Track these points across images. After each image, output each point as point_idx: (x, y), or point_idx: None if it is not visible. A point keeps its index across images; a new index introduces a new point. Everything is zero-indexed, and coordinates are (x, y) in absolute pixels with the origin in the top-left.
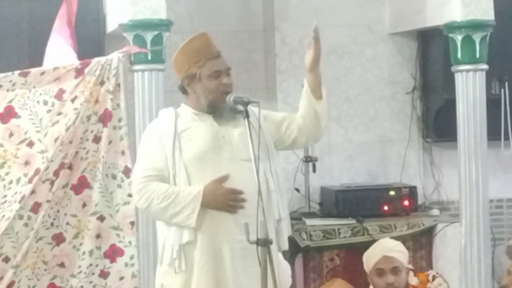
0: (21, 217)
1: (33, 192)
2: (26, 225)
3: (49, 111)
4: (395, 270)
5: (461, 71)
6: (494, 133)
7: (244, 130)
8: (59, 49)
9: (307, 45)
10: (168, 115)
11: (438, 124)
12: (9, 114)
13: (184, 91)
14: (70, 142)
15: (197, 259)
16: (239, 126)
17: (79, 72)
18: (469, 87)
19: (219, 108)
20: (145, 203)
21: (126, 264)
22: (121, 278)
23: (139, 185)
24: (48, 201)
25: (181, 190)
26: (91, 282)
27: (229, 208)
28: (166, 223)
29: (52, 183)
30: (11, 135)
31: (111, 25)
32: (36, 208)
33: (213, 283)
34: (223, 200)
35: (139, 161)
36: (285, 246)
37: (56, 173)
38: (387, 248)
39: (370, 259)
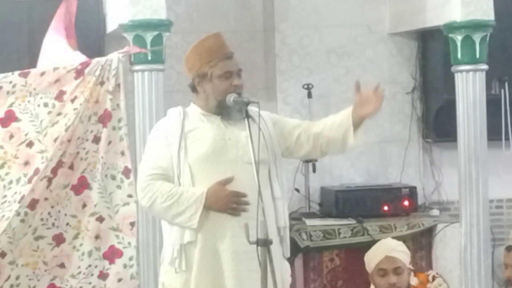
0: (18, 214)
1: (31, 190)
2: (23, 221)
3: (49, 112)
4: (397, 271)
5: (461, 71)
6: (494, 133)
7: (252, 133)
8: (56, 43)
9: (357, 86)
10: (175, 114)
11: (438, 124)
12: (9, 118)
13: (194, 90)
14: (69, 141)
15: (197, 259)
16: (249, 129)
17: (79, 72)
18: (469, 87)
19: (227, 108)
20: (148, 201)
21: (125, 266)
22: (120, 280)
23: (143, 183)
24: (46, 198)
25: (184, 190)
26: (90, 283)
27: (231, 211)
28: (169, 223)
29: (49, 180)
30: (11, 137)
31: (111, 25)
32: (33, 204)
33: (212, 284)
34: (226, 202)
35: (145, 159)
36: (288, 253)
37: (54, 171)
38: (389, 248)
39: (372, 259)
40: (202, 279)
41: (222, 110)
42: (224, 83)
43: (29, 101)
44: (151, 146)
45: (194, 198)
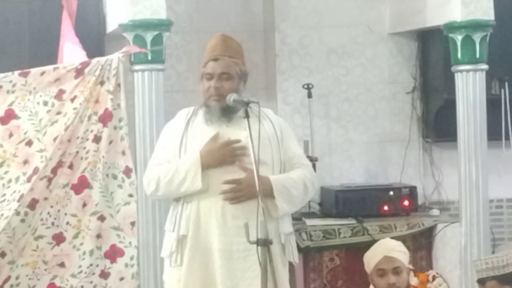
0: (18, 213)
1: (31, 189)
2: (23, 221)
3: (49, 111)
4: (397, 270)
5: (461, 71)
6: (494, 133)
7: (254, 133)
8: (75, 57)
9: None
10: (183, 114)
11: (438, 124)
12: (9, 116)
13: None
14: (69, 141)
15: (187, 256)
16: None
17: (79, 72)
18: (469, 87)
19: (209, 109)
20: (153, 184)
21: (126, 265)
22: (121, 279)
23: (147, 172)
24: (45, 198)
25: (180, 160)
26: (91, 282)
27: (231, 159)
28: (178, 195)
29: (49, 180)
30: (11, 135)
31: (111, 25)
32: (33, 204)
33: (202, 281)
34: (222, 153)
35: (153, 155)
36: (297, 258)
37: (54, 171)
38: (388, 248)
39: (371, 259)
40: (191, 276)
41: (207, 109)
42: (205, 84)
43: (28, 99)
44: (158, 144)
45: (190, 161)
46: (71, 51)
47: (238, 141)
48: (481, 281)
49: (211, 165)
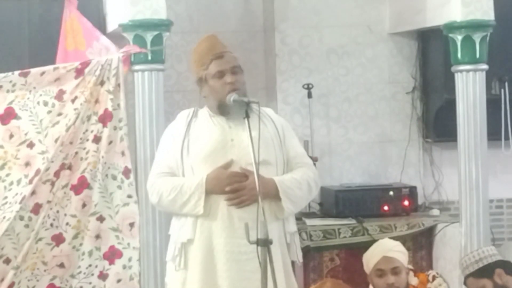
0: (21, 218)
1: (33, 193)
2: (26, 226)
3: (49, 112)
4: (395, 271)
5: (461, 71)
6: (494, 133)
7: (256, 134)
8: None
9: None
10: (184, 115)
11: (438, 124)
12: (9, 115)
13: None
14: (71, 143)
15: (193, 258)
16: (252, 129)
17: (79, 72)
18: (469, 87)
19: (228, 107)
20: (156, 197)
21: (124, 267)
22: (119, 281)
23: (151, 181)
24: (48, 201)
25: (186, 180)
26: (90, 283)
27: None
28: (178, 214)
29: (52, 184)
30: (11, 136)
31: (111, 25)
32: (36, 209)
33: (206, 283)
34: (228, 183)
35: (155, 159)
36: (300, 258)
37: (57, 174)
38: (387, 249)
39: (370, 259)
40: (196, 278)
41: (224, 109)
42: (218, 83)
43: (28, 98)
44: (160, 147)
45: (195, 185)
46: (102, 47)
47: (246, 176)
48: (464, 283)
49: (215, 192)
